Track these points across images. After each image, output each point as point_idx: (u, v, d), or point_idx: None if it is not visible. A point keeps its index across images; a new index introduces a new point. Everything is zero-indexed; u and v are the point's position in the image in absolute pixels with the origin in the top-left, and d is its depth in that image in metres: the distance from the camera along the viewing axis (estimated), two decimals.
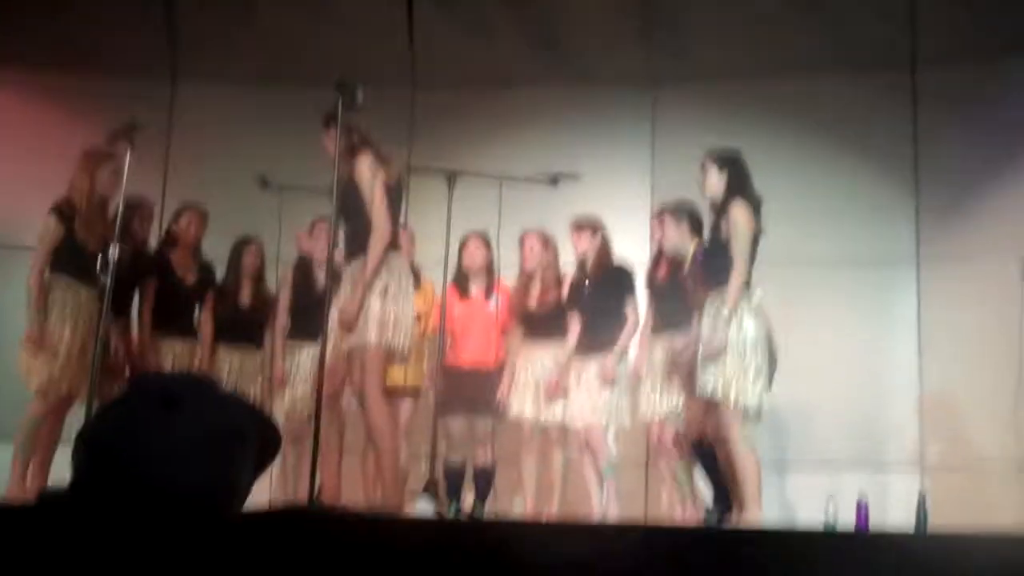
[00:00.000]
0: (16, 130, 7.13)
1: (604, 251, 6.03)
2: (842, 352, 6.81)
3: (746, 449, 4.87)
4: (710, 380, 4.84)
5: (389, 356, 4.76)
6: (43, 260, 5.28)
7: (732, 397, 4.81)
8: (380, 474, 4.78)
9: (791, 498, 6.58)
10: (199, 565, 1.39)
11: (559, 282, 6.15)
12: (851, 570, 2.47)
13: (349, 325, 4.61)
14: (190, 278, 6.02)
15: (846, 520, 5.52)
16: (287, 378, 6.02)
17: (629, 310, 5.94)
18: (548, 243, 6.17)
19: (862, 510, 5.47)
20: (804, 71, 7.18)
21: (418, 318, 6.14)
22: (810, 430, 6.72)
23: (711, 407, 4.94)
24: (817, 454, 6.67)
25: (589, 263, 6.01)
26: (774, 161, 6.62)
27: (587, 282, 6.00)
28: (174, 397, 1.45)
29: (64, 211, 5.32)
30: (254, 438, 1.54)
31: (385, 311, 4.62)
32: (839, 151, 7.14)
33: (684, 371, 5.26)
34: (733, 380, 4.81)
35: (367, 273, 4.62)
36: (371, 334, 4.60)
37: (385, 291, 4.63)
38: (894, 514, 6.05)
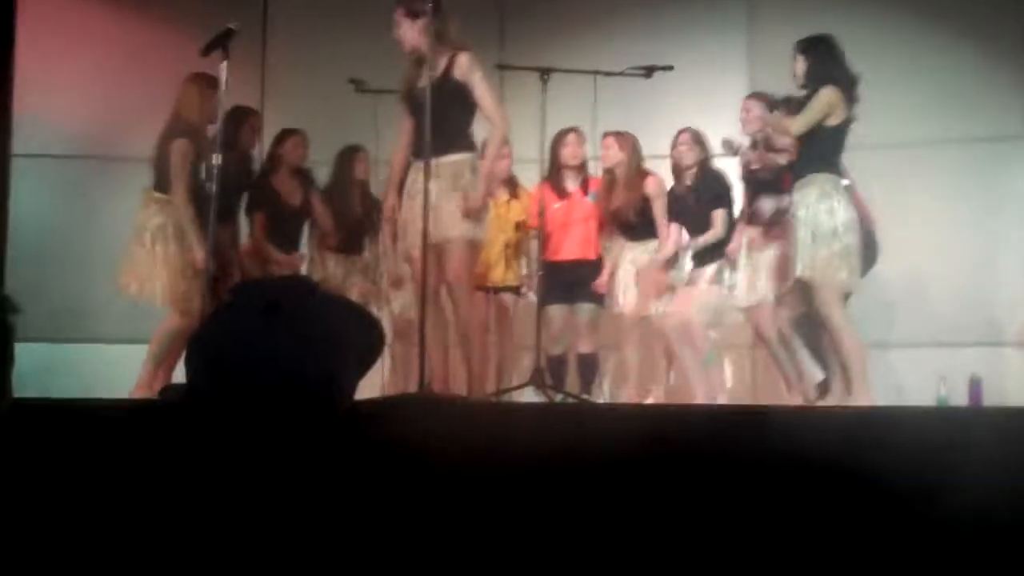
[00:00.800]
0: (110, 45, 7.24)
1: (704, 160, 5.99)
2: (953, 231, 6.68)
3: (848, 328, 4.89)
4: (805, 260, 4.88)
5: (473, 248, 4.91)
6: (185, 183, 5.36)
7: (826, 277, 4.85)
8: (469, 369, 4.89)
9: (903, 379, 6.53)
10: (314, 454, 1.44)
11: (638, 182, 6.11)
12: (967, 446, 2.46)
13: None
14: (295, 199, 6.13)
15: (960, 399, 5.48)
16: (402, 275, 6.11)
17: (723, 217, 5.91)
18: (625, 142, 6.13)
19: (976, 388, 5.42)
20: None
21: (518, 226, 6.21)
22: (921, 309, 6.64)
23: (808, 289, 4.98)
24: (929, 334, 6.58)
25: (687, 171, 5.97)
26: (876, 43, 6.44)
27: (687, 189, 5.98)
28: (275, 302, 1.49)
29: (189, 132, 5.40)
30: (356, 337, 1.57)
31: (457, 205, 4.75)
32: (944, 28, 6.91)
33: (778, 256, 5.27)
34: (829, 261, 4.85)
35: (487, 165, 4.88)
36: (454, 228, 4.74)
37: (455, 186, 4.76)
38: (1010, 393, 5.98)
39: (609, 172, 6.17)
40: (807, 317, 5.31)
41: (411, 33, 4.85)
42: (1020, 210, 6.69)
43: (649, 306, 6.00)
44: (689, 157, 5.96)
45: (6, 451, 1.55)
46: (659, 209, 6.04)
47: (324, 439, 1.45)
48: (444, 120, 4.71)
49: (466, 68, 4.82)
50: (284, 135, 6.18)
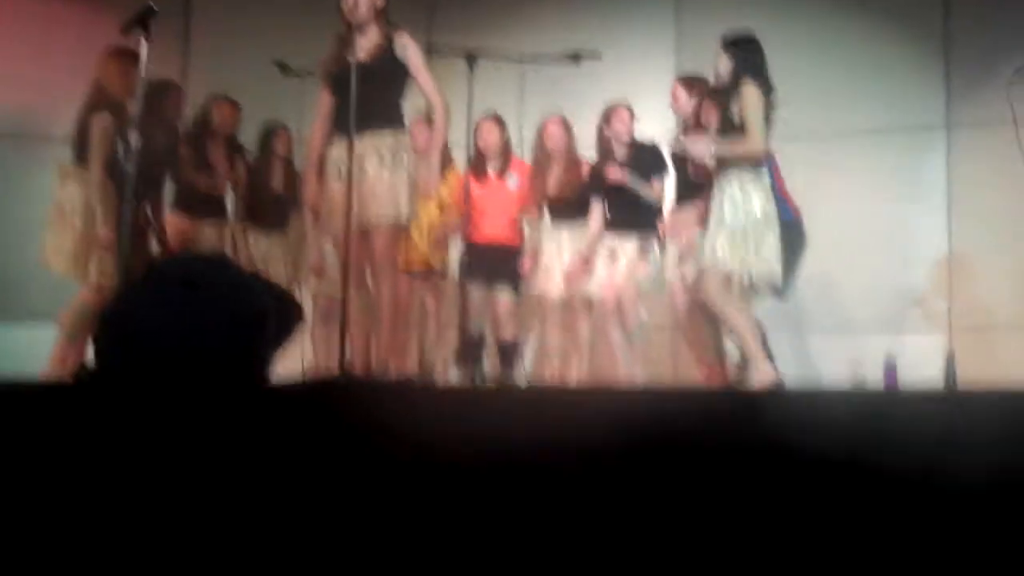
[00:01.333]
0: (31, 24, 7.10)
1: (633, 132, 6.04)
2: (870, 221, 6.81)
3: (735, 309, 4.94)
4: (714, 249, 4.93)
5: (401, 229, 4.90)
6: (103, 158, 5.32)
7: (730, 269, 4.89)
8: (393, 351, 4.89)
9: (819, 364, 6.65)
10: (227, 432, 1.43)
11: (578, 166, 6.15)
12: (879, 428, 2.50)
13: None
14: (222, 166, 6.06)
15: (874, 382, 5.59)
16: (323, 261, 6.07)
17: (658, 188, 5.96)
18: (568, 127, 6.17)
19: (890, 371, 5.50)
20: None
21: (441, 208, 6.21)
22: (838, 297, 6.77)
23: (711, 275, 5.02)
24: (845, 320, 6.72)
25: (620, 144, 6.00)
26: (797, 36, 6.54)
27: (618, 164, 5.99)
28: (192, 277, 1.47)
29: (110, 107, 5.36)
30: (272, 315, 1.56)
31: (388, 184, 4.73)
32: (864, 20, 7.02)
33: (693, 241, 5.33)
34: (737, 256, 4.89)
35: (438, 140, 4.95)
36: (378, 208, 4.71)
37: (382, 163, 4.73)
38: (922, 376, 6.11)
39: (546, 156, 6.19)
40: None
41: (365, 3, 4.78)
42: (935, 198, 6.83)
43: (577, 287, 6.04)
44: (626, 134, 6.00)
45: None
46: (593, 192, 6.07)
47: (239, 418, 1.44)
48: (376, 97, 4.69)
49: (406, 45, 4.81)
50: (214, 102, 6.14)
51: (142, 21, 4.73)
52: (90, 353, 5.19)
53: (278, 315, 1.58)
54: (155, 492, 1.41)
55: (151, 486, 1.38)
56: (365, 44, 4.76)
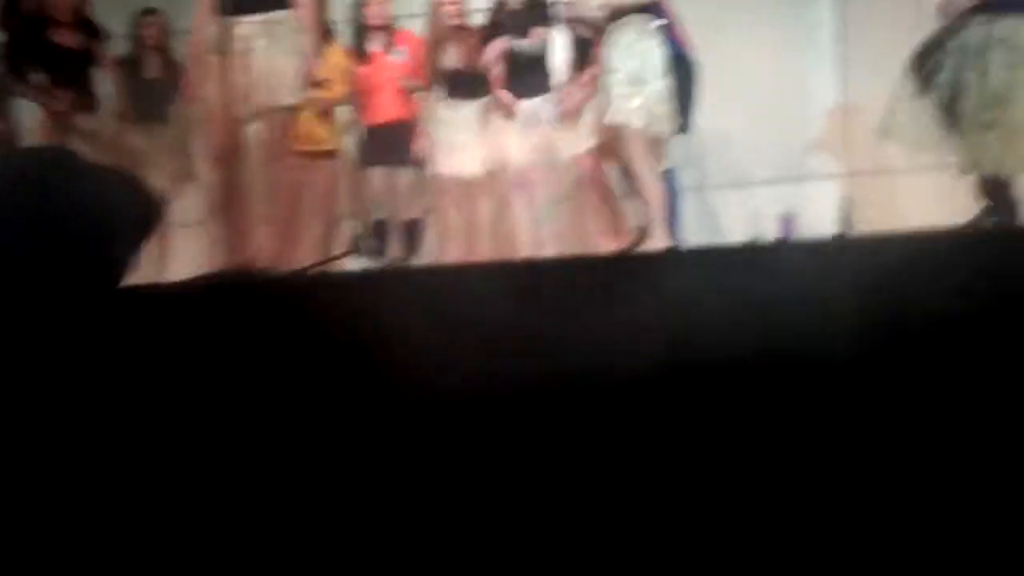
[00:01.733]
0: None
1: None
2: (760, 73, 6.79)
3: (651, 175, 4.94)
4: (614, 106, 4.88)
5: (289, 112, 4.82)
6: None
7: (634, 122, 4.85)
8: (285, 241, 4.89)
9: (717, 220, 6.71)
10: (92, 340, 1.36)
11: (473, 36, 6.00)
12: (779, 279, 2.53)
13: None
14: (73, 40, 5.73)
15: (772, 236, 5.65)
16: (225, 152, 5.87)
17: (555, 48, 5.85)
18: None
19: (788, 224, 5.57)
20: None
21: (319, 83, 6.01)
22: (732, 153, 6.78)
23: (621, 134, 4.99)
24: (741, 175, 6.76)
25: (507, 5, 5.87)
26: None
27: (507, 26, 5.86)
28: (33, 171, 1.39)
29: None
30: (126, 209, 1.48)
31: (280, 67, 4.61)
32: None
33: (594, 100, 5.27)
34: (638, 106, 4.85)
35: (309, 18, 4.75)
36: (269, 91, 4.59)
37: (274, 45, 4.62)
38: (821, 227, 6.20)
39: (440, 28, 6.02)
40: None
41: None
42: (826, 49, 6.85)
43: (472, 162, 5.95)
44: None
45: None
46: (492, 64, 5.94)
47: (101, 322, 1.37)
48: None
49: None
50: None
51: None
52: None
53: (132, 208, 1.49)
54: (14, 407, 1.34)
55: (38, 411, 1.31)
56: None
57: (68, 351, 1.30)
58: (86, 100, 5.77)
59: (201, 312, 1.70)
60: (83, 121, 5.72)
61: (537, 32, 5.82)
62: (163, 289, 1.52)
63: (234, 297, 2.03)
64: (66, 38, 5.68)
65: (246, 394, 1.66)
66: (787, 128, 6.81)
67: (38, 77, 5.59)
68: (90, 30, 5.80)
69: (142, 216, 1.49)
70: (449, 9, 5.96)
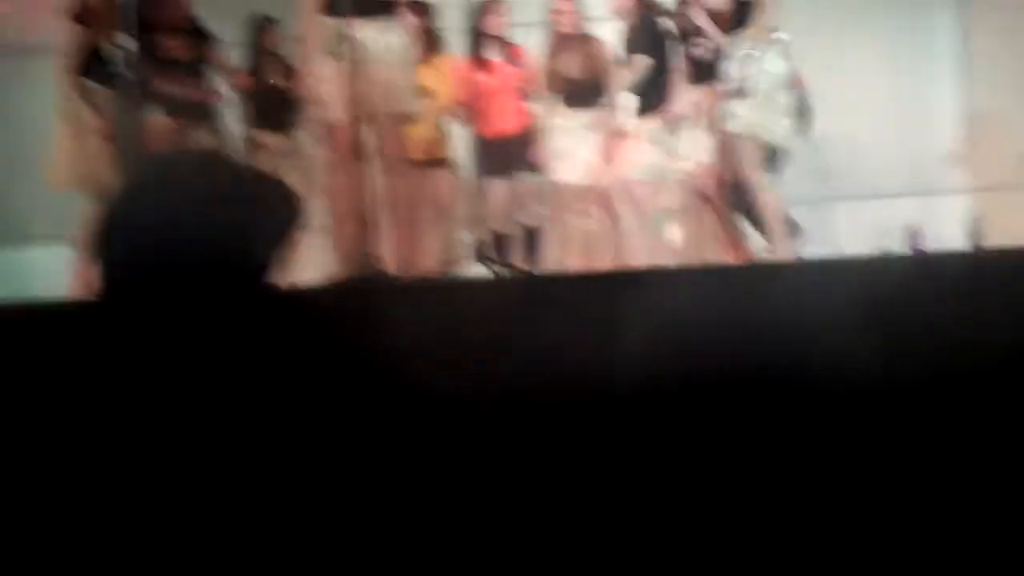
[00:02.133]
0: None
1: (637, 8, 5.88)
2: (885, 85, 6.69)
3: (767, 187, 4.88)
4: (735, 119, 4.83)
5: (411, 119, 4.85)
6: (81, 62, 5.19)
7: (757, 134, 4.80)
8: (410, 247, 4.86)
9: (842, 233, 6.60)
10: (245, 342, 1.39)
11: (590, 44, 6.01)
12: (906, 291, 2.48)
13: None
14: (182, 55, 5.86)
15: (899, 249, 5.55)
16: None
17: (672, 64, 5.83)
18: (572, 4, 6.01)
19: (916, 238, 5.46)
20: None
21: (429, 92, 6.06)
22: (857, 164, 6.68)
23: (736, 145, 4.94)
24: (867, 187, 6.64)
25: (627, 20, 5.87)
26: None
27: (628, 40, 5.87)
28: (183, 172, 1.43)
29: (82, 14, 5.20)
30: (271, 206, 1.51)
31: (395, 72, 4.66)
32: None
33: (714, 114, 5.23)
34: (759, 118, 4.79)
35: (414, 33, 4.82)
36: (400, 98, 4.67)
37: (388, 51, 4.65)
38: (947, 242, 6.06)
39: (557, 36, 6.05)
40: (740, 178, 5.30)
41: None
42: (950, 60, 6.70)
43: (593, 173, 5.96)
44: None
45: None
46: (608, 72, 5.95)
47: (255, 323, 1.40)
48: None
49: None
50: None
51: None
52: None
53: (279, 208, 1.53)
54: (179, 412, 1.39)
55: (175, 406, 1.36)
56: None
57: (218, 347, 1.34)
58: (208, 108, 5.93)
59: (338, 315, 1.74)
60: (206, 129, 5.87)
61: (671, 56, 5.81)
62: (301, 291, 1.55)
63: (368, 300, 2.07)
64: (180, 47, 5.83)
65: (377, 396, 1.68)
66: (911, 140, 6.68)
67: (164, 84, 5.76)
68: (203, 36, 5.92)
69: (288, 218, 1.53)
70: (565, 18, 5.97)
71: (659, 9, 5.78)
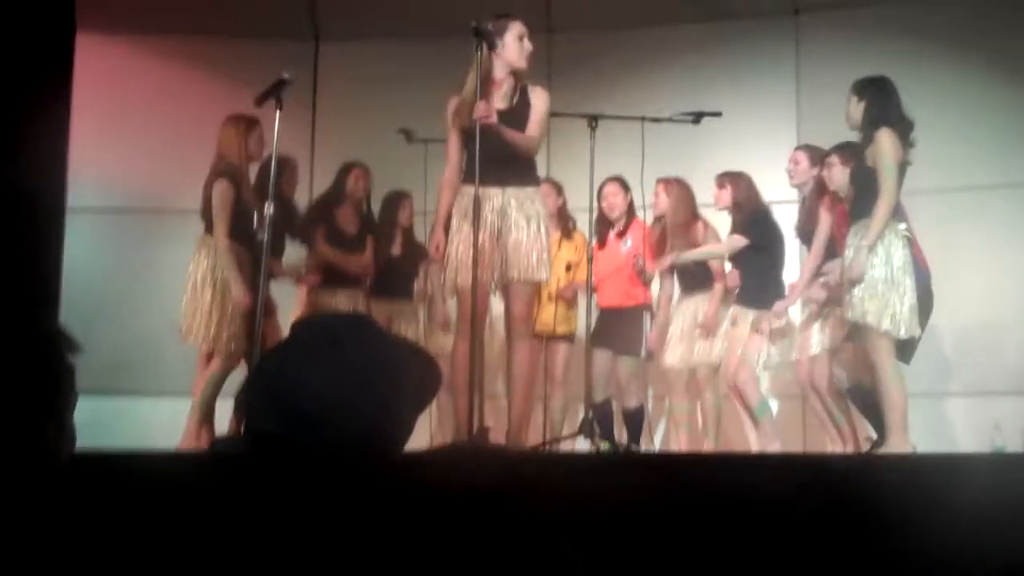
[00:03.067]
0: (163, 98, 7.37)
1: (751, 199, 5.96)
2: (1008, 277, 6.59)
3: (894, 377, 4.78)
4: (857, 306, 4.77)
5: (537, 290, 4.84)
6: (226, 224, 5.34)
7: (880, 323, 4.73)
8: (520, 417, 4.69)
9: (958, 429, 6.44)
10: (369, 505, 1.43)
11: (688, 229, 6.10)
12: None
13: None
14: (351, 231, 6.16)
15: (1017, 448, 5.37)
16: (448, 321, 6.15)
17: (780, 265, 5.88)
18: (672, 189, 6.13)
19: None
20: None
21: (568, 268, 6.20)
22: (977, 358, 6.54)
23: (860, 334, 4.88)
24: (983, 383, 6.49)
25: (737, 214, 5.96)
26: (928, 88, 6.41)
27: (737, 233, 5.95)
28: (336, 335, 1.48)
29: (229, 173, 5.40)
30: (415, 374, 1.57)
31: (531, 242, 4.61)
32: (998, 70, 6.85)
33: (835, 304, 5.19)
34: (882, 307, 4.73)
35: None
36: (521, 265, 4.59)
37: (527, 220, 4.62)
38: None
39: (659, 220, 6.18)
40: (861, 373, 5.22)
41: (517, 54, 4.73)
42: None
43: (697, 355, 5.96)
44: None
45: (66, 504, 1.56)
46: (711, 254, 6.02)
47: (383, 486, 1.45)
48: (515, 149, 4.63)
49: (540, 94, 4.76)
50: (348, 167, 6.22)
51: (276, 93, 4.86)
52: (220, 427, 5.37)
53: (420, 375, 1.59)
54: (300, 564, 1.42)
55: (296, 557, 1.39)
56: (500, 94, 4.72)
57: (338, 510, 1.38)
58: (344, 278, 6.16)
59: (444, 480, 1.77)
60: (336, 296, 6.08)
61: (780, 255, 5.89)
62: (412, 457, 1.59)
63: (474, 468, 2.10)
64: (347, 220, 6.11)
65: (477, 565, 1.70)
66: None
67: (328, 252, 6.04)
68: (367, 219, 6.26)
69: (427, 383, 1.58)
70: (659, 197, 6.15)
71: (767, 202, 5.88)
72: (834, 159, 5.40)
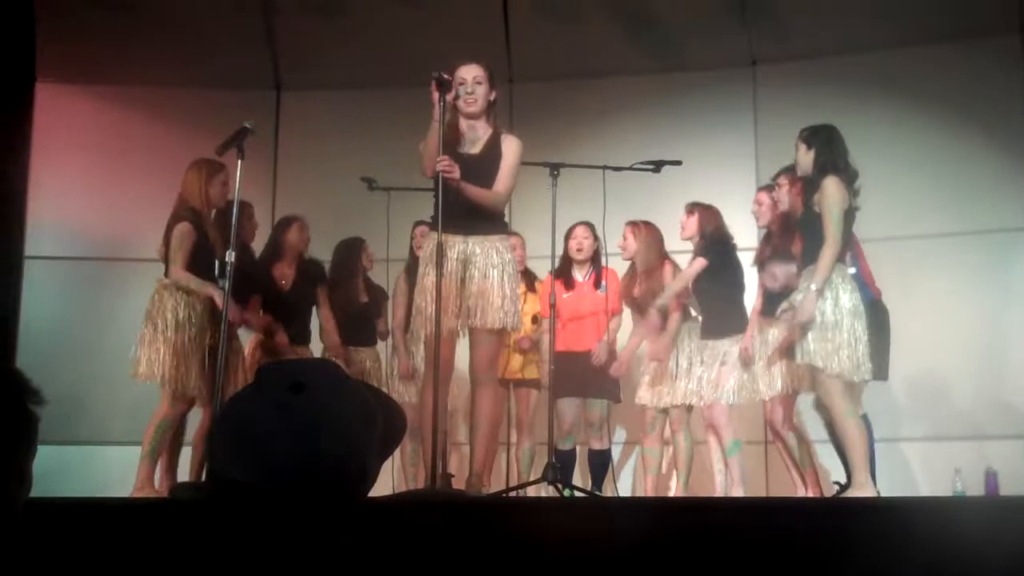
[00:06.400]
0: (123, 147, 7.36)
1: (717, 229, 6.02)
2: (962, 323, 6.67)
3: (850, 418, 4.81)
4: (807, 349, 4.81)
5: (504, 336, 4.80)
6: (184, 262, 5.33)
7: (828, 365, 4.76)
8: (471, 460, 4.66)
9: (918, 473, 6.48)
10: (333, 550, 1.43)
11: (656, 271, 6.12)
12: (981, 535, 2.43)
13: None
14: (288, 285, 6.06)
15: (975, 493, 5.41)
16: (412, 370, 6.13)
17: (740, 291, 5.93)
18: (639, 232, 6.17)
19: (992, 480, 5.32)
20: (906, 42, 7.07)
21: (534, 320, 6.20)
22: (934, 403, 6.61)
23: (814, 377, 4.91)
24: (940, 428, 6.55)
25: (700, 240, 6.00)
26: (880, 136, 6.52)
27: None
28: (300, 381, 1.48)
29: (191, 216, 5.38)
30: (380, 420, 1.56)
31: (499, 289, 4.58)
32: (949, 121, 6.98)
33: (787, 345, 5.24)
34: (831, 349, 4.77)
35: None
36: (490, 311, 4.55)
37: (498, 267, 4.60)
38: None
39: (629, 263, 6.21)
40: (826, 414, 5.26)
41: (483, 100, 4.70)
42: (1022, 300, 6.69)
43: (665, 396, 5.96)
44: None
45: (21, 551, 1.54)
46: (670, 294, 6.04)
47: (345, 531, 1.44)
48: (481, 207, 4.60)
49: (512, 140, 4.73)
50: (288, 220, 6.16)
51: (237, 141, 4.85)
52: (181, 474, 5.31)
53: (384, 420, 1.58)
54: None
55: None
56: (473, 138, 4.71)
57: (304, 553, 1.37)
58: (303, 333, 6.09)
59: (409, 526, 1.77)
60: (297, 350, 6.00)
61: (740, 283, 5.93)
62: (377, 502, 1.58)
63: (439, 514, 2.09)
64: (285, 283, 6.05)
65: None
66: (990, 383, 6.60)
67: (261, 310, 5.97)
68: (313, 272, 6.18)
69: (391, 428, 1.57)
70: (626, 239, 6.16)
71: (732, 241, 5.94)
72: (782, 180, 5.59)
